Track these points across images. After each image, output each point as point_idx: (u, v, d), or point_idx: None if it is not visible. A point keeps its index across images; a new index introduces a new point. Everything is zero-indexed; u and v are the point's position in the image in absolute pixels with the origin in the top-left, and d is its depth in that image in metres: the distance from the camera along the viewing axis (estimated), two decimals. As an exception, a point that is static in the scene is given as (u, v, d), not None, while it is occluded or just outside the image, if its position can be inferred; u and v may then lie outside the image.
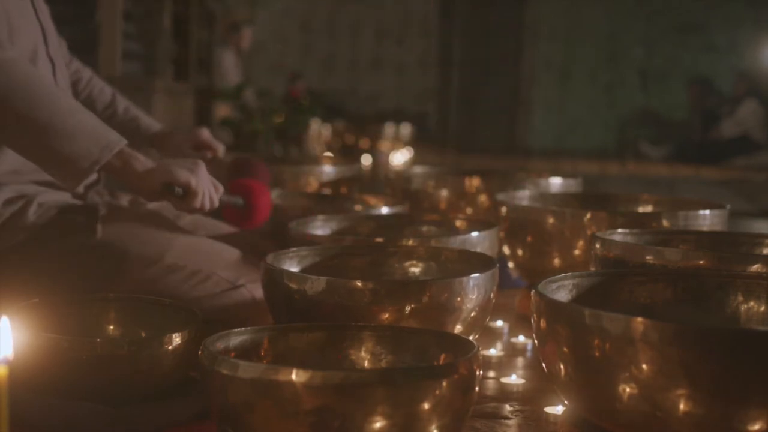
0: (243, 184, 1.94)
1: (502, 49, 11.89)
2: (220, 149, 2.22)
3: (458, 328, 1.52)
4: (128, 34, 4.88)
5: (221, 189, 1.78)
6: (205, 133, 2.21)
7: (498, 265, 1.60)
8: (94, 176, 1.92)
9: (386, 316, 1.46)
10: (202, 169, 1.73)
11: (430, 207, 2.58)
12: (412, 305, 1.46)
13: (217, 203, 1.76)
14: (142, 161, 1.67)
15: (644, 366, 1.15)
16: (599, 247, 1.74)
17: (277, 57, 11.60)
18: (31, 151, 1.63)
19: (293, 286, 1.49)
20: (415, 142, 8.89)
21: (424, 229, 2.04)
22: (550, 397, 1.54)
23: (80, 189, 1.86)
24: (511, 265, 2.23)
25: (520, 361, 1.86)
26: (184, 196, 1.69)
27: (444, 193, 2.58)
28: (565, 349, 1.23)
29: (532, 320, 1.32)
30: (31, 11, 1.82)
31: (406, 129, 8.43)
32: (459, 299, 1.49)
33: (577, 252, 2.04)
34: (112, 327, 1.57)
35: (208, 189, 1.72)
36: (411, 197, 2.54)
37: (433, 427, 1.14)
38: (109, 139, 1.62)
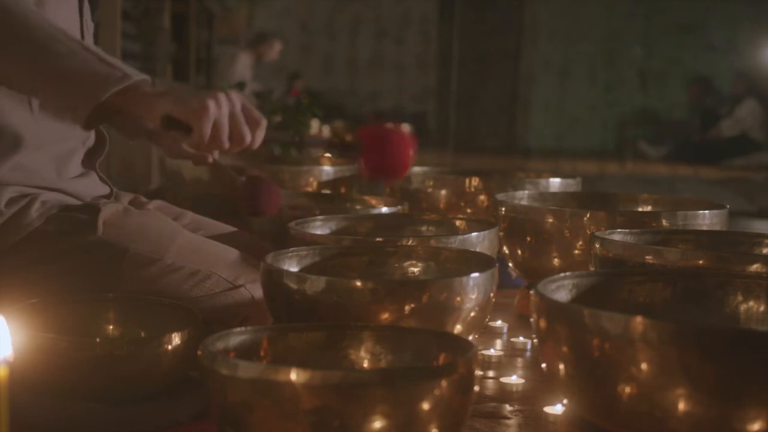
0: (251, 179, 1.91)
1: (502, 49, 11.90)
2: (214, 152, 2.21)
3: (458, 328, 1.52)
4: (127, 34, 4.88)
5: (264, 122, 1.60)
6: (202, 142, 2.20)
7: (497, 264, 1.60)
8: (106, 189, 1.93)
9: (386, 315, 1.46)
10: (216, 101, 1.55)
11: (430, 207, 2.58)
12: (412, 305, 1.46)
13: (249, 139, 1.58)
14: (149, 90, 1.56)
15: (643, 366, 1.15)
16: (599, 247, 1.75)
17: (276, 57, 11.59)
18: (29, 89, 1.61)
19: (292, 286, 1.49)
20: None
21: (424, 228, 2.04)
22: (550, 397, 1.54)
23: (88, 199, 1.85)
24: (510, 264, 2.23)
25: (519, 361, 1.86)
26: (189, 133, 1.56)
27: (443, 192, 2.58)
28: (564, 349, 1.23)
29: (531, 320, 1.32)
30: (78, 30, 1.83)
31: (405, 129, 8.43)
32: (458, 299, 1.49)
33: (576, 252, 2.04)
34: (111, 327, 1.57)
35: (224, 125, 1.56)
36: (410, 197, 2.54)
37: (433, 427, 1.14)
38: (113, 76, 1.55)
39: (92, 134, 1.91)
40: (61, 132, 1.80)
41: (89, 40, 1.88)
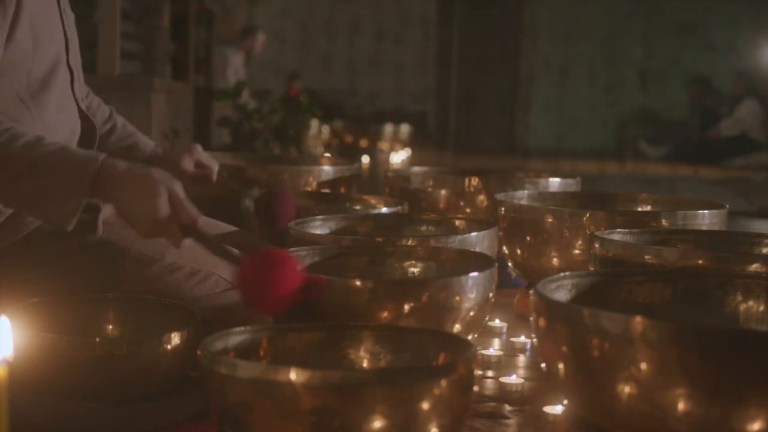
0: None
1: (501, 49, 11.89)
2: (214, 168, 2.20)
3: (457, 328, 1.52)
4: (127, 34, 4.88)
5: (196, 216, 1.58)
6: (201, 154, 2.21)
7: (496, 264, 1.60)
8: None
9: (385, 315, 1.46)
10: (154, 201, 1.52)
11: (429, 207, 2.58)
12: (411, 304, 1.46)
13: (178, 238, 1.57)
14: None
15: (643, 365, 1.15)
16: (598, 247, 1.75)
17: (275, 56, 11.59)
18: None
19: (292, 285, 1.49)
20: (414, 141, 8.90)
21: (423, 228, 2.04)
22: (550, 397, 1.54)
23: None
24: (510, 264, 2.23)
25: (519, 360, 1.86)
26: None
27: (443, 192, 2.58)
28: (564, 349, 1.23)
29: (531, 320, 1.32)
30: (58, 21, 1.82)
31: (404, 129, 8.44)
32: (457, 298, 1.49)
33: (576, 251, 2.04)
34: (111, 327, 1.57)
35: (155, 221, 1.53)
36: (410, 197, 2.54)
37: (432, 426, 1.14)
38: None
39: (78, 125, 1.90)
40: (54, 125, 1.79)
41: (71, 32, 1.88)
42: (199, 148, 2.20)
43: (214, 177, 2.15)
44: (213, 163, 2.18)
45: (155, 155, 2.18)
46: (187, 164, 2.11)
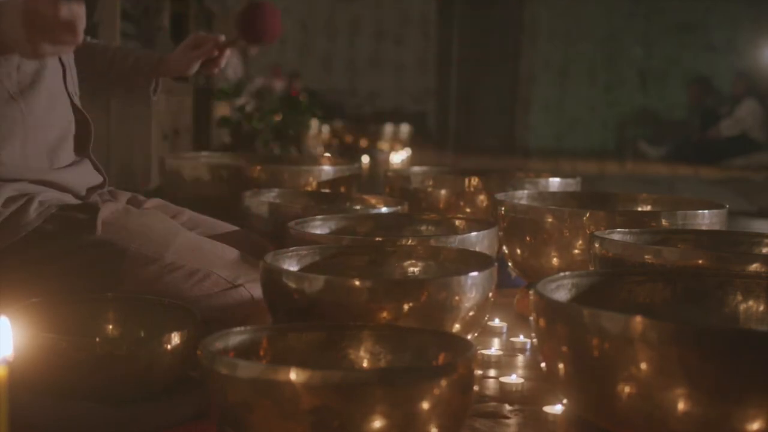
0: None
1: (501, 49, 11.89)
2: (220, 37, 2.25)
3: (456, 327, 1.52)
4: (127, 34, 4.87)
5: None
6: (200, 35, 2.24)
7: (496, 263, 1.60)
8: (99, 179, 1.93)
9: (384, 314, 1.46)
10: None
11: (429, 206, 2.58)
12: (410, 304, 1.46)
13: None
14: None
15: (643, 365, 1.15)
16: (598, 247, 1.75)
17: (275, 56, 11.59)
18: None
19: (292, 285, 1.49)
20: (414, 141, 8.89)
21: (423, 228, 2.04)
22: (550, 397, 1.54)
23: (83, 191, 1.86)
24: (510, 264, 2.23)
25: (519, 360, 1.86)
26: None
27: (443, 192, 2.58)
28: (564, 349, 1.23)
29: (531, 320, 1.32)
30: None
31: (404, 128, 8.43)
32: (457, 298, 1.50)
33: (576, 251, 2.04)
34: (111, 327, 1.57)
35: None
36: (410, 197, 2.54)
37: (432, 426, 1.14)
38: None
39: (72, 120, 1.90)
40: (46, 120, 1.79)
41: None
42: (199, 33, 2.28)
43: (220, 39, 2.25)
44: (215, 35, 2.26)
45: (158, 62, 2.22)
46: (188, 51, 2.23)
